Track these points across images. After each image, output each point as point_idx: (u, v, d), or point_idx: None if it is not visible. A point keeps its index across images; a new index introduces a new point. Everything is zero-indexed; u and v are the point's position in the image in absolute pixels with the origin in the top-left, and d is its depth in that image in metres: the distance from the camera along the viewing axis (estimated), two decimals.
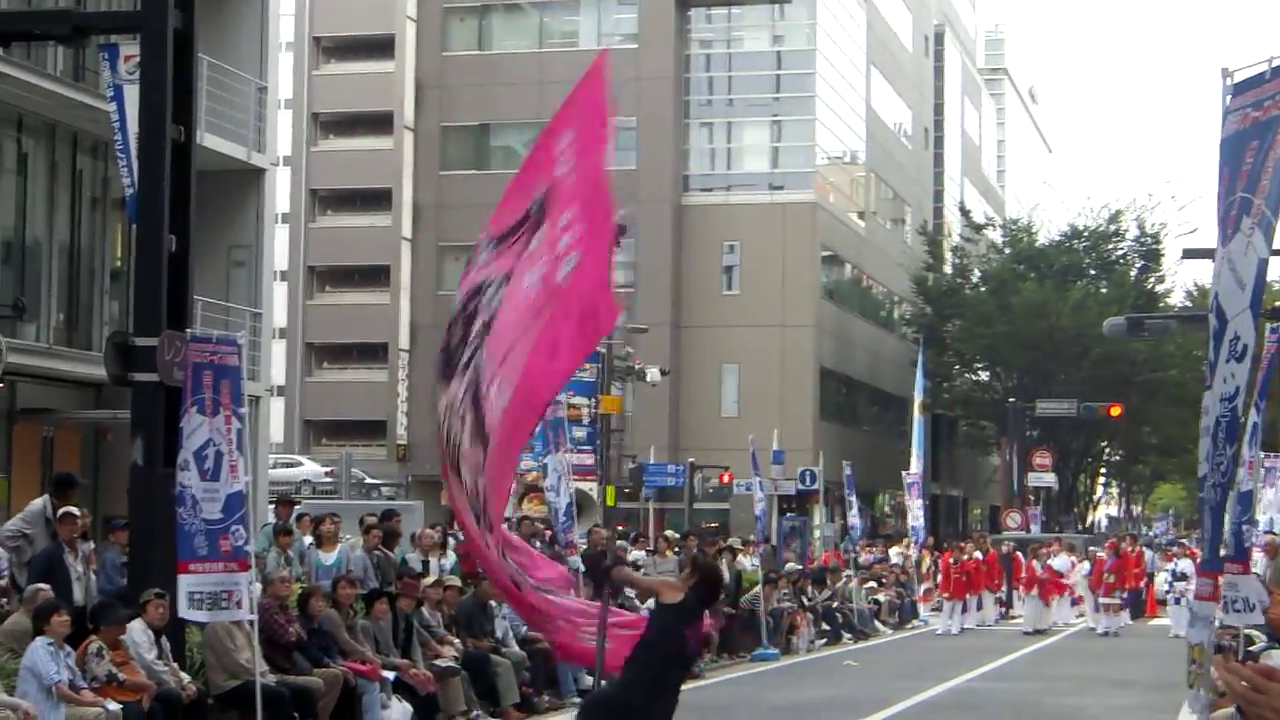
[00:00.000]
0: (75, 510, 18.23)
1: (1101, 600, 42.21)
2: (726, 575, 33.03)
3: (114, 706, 15.52)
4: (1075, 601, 44.26)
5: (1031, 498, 71.70)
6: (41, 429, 31.05)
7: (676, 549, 33.04)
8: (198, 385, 16.41)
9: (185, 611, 16.56)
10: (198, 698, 16.93)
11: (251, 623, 17.03)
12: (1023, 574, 43.91)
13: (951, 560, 42.54)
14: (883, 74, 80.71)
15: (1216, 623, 6.57)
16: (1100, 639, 39.66)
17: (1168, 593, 42.69)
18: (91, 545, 19.25)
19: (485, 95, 70.08)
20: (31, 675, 15.17)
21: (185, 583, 16.47)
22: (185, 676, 17.11)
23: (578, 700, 23.74)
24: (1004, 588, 45.76)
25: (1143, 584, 47.01)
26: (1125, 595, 43.56)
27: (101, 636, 16.10)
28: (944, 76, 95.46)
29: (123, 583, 18.48)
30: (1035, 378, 75.93)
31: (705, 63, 72.61)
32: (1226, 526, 6.40)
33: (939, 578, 43.85)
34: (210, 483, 16.43)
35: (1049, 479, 71.99)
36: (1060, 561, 43.77)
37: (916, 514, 50.97)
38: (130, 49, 20.21)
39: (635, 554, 31.18)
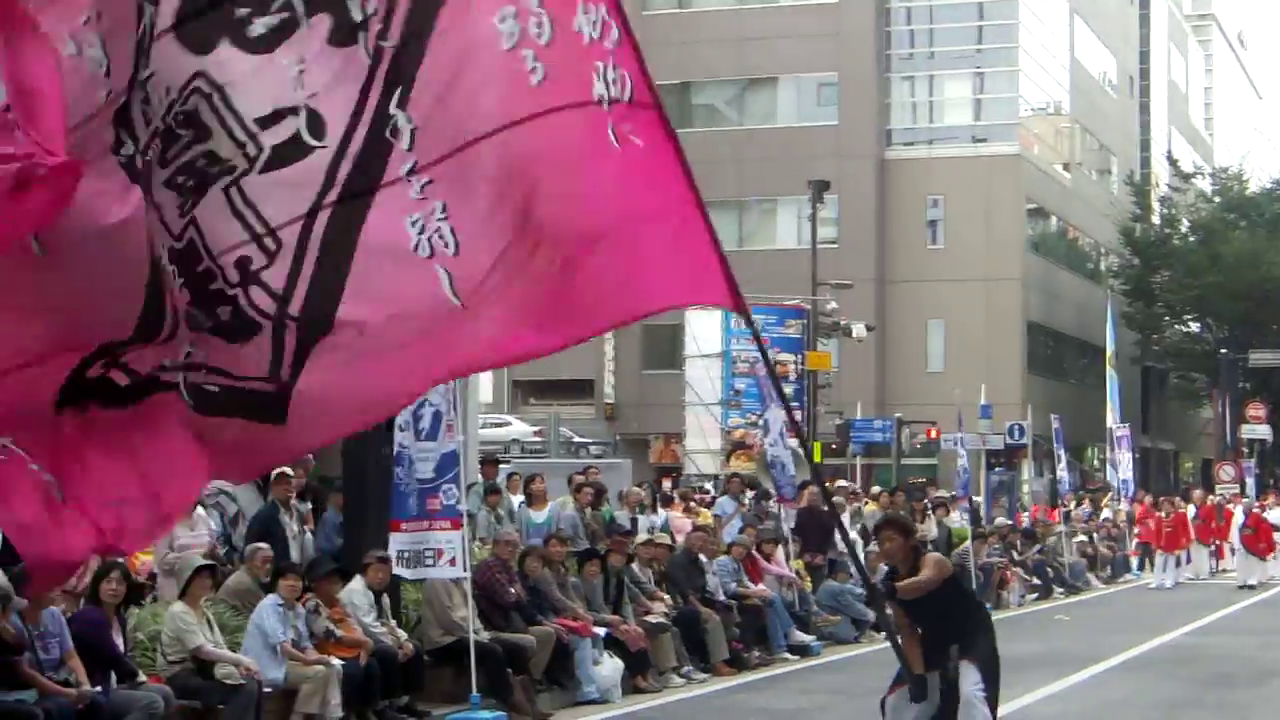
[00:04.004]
0: (289, 470, 18.57)
1: None
2: (935, 531, 33.00)
3: (336, 663, 15.85)
4: None
5: (1245, 450, 70.37)
6: None
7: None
8: None
9: (395, 568, 17.06)
10: (413, 654, 17.23)
11: (468, 580, 17.39)
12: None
13: (1163, 514, 41.93)
14: (1086, 22, 79.45)
15: None
16: None
17: None
18: (308, 505, 19.63)
19: (686, 53, 70.00)
20: (259, 632, 15.53)
21: (395, 540, 16.94)
22: (402, 634, 17.42)
23: (788, 655, 23.85)
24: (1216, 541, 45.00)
25: None
26: None
27: (317, 594, 16.43)
28: (1149, 24, 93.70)
29: (340, 542, 18.86)
30: (1247, 328, 74.49)
31: (906, 15, 71.89)
32: None
33: (1140, 531, 43.36)
34: (426, 443, 16.77)
35: (1263, 431, 70.52)
36: (1276, 514, 43.04)
37: (1125, 467, 50.25)
38: None
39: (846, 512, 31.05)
